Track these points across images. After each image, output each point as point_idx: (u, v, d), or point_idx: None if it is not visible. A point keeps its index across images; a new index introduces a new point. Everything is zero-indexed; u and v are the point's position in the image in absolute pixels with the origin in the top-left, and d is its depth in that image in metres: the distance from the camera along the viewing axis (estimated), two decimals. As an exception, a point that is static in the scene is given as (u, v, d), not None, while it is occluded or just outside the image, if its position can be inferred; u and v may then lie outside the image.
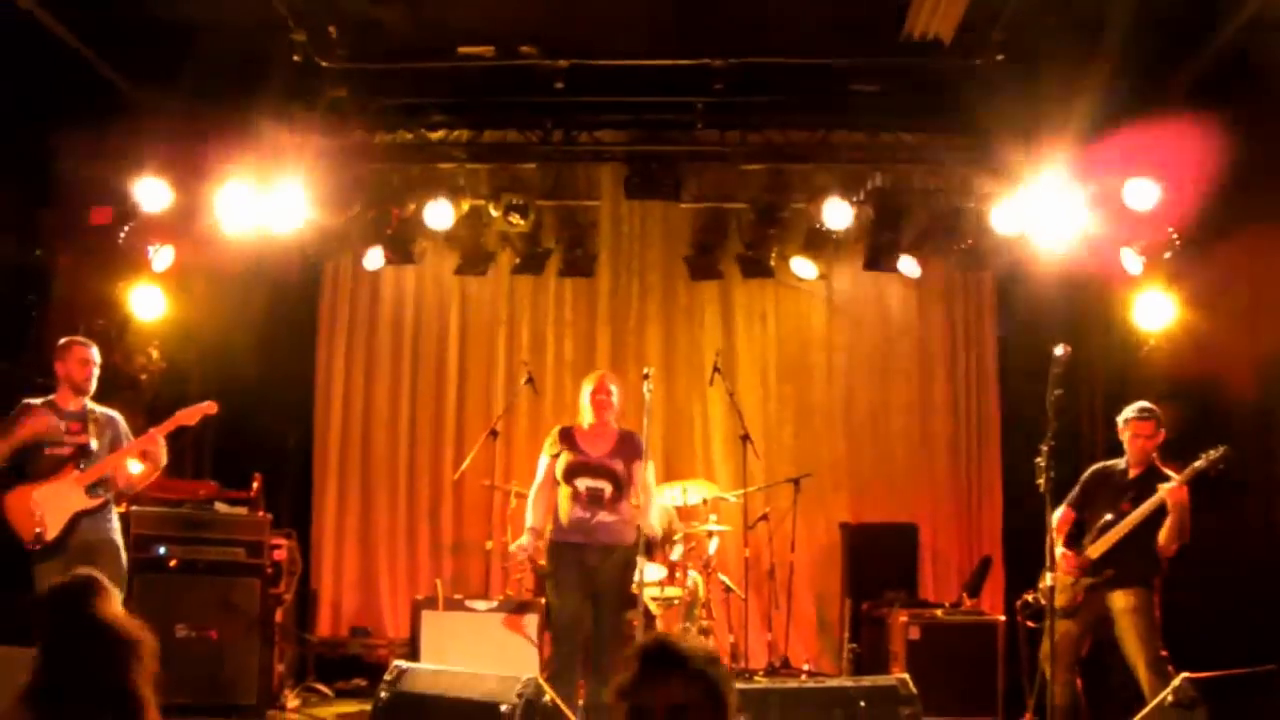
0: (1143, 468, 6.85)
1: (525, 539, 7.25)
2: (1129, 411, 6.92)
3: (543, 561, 7.46)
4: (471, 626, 7.94)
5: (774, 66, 8.97)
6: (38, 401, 6.85)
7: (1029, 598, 7.07)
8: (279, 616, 8.30)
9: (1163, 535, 6.56)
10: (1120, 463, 6.98)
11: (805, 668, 9.58)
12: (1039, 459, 6.24)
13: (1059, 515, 6.92)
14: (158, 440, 6.90)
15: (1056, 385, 6.26)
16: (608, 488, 7.10)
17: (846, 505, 10.49)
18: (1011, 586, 9.53)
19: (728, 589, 9.26)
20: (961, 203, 9.47)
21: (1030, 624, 7.01)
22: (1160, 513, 6.60)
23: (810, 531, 10.21)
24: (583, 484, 7.11)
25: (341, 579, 10.51)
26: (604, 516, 7.06)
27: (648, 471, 7.30)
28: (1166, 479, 6.63)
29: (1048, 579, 6.38)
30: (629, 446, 7.26)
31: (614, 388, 7.30)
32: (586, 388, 7.31)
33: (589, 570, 7.03)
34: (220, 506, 8.25)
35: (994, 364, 10.65)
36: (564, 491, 7.19)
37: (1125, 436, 6.90)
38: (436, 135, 9.81)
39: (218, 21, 8.00)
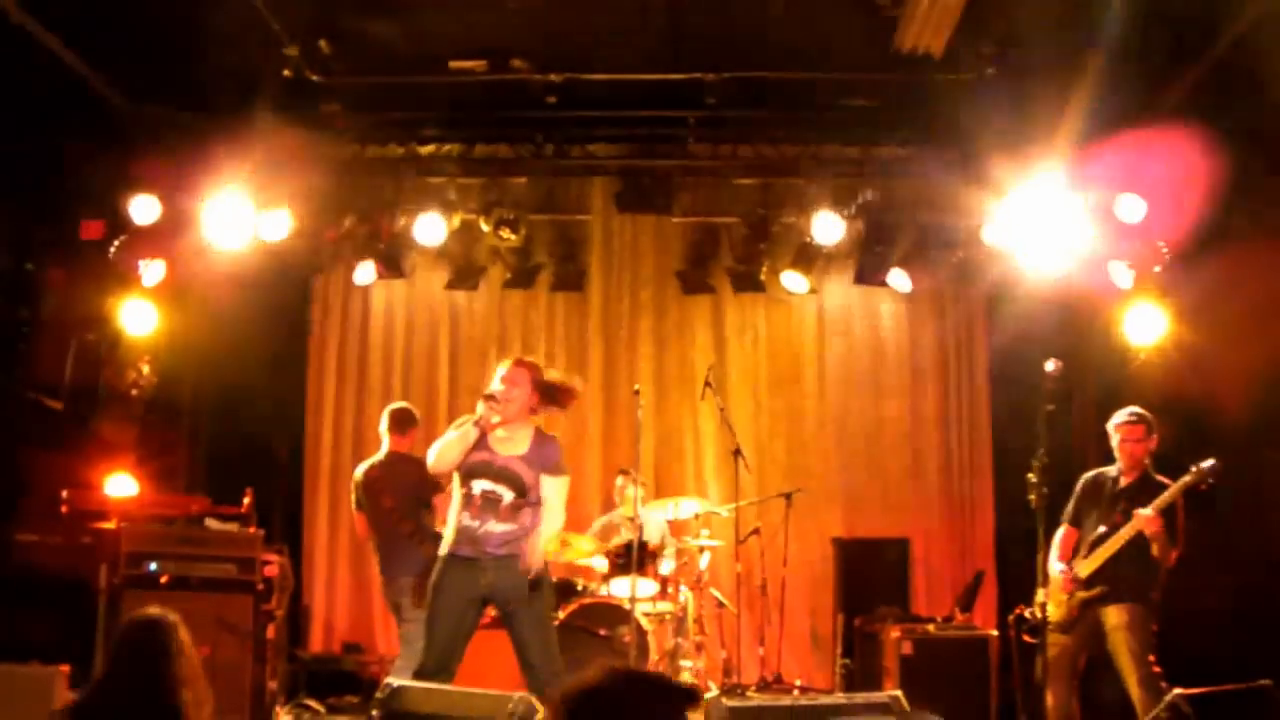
0: (1135, 474, 6.78)
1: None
2: (1118, 417, 6.86)
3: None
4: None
5: (766, 81, 9.00)
6: None
7: (1025, 614, 6.99)
8: (271, 633, 8.24)
9: (1154, 553, 6.53)
10: (1113, 470, 6.91)
11: (798, 684, 9.52)
12: (1031, 474, 6.22)
13: (1061, 534, 6.89)
14: None
15: (1048, 400, 6.25)
16: (508, 494, 6.13)
17: (838, 520, 10.47)
18: (1004, 601, 9.51)
19: (720, 604, 9.24)
20: (952, 217, 9.48)
21: (1027, 638, 6.97)
22: None
23: (802, 546, 10.17)
24: (479, 486, 6.14)
25: (334, 595, 10.48)
26: (494, 526, 6.08)
27: (554, 487, 6.24)
28: (1160, 486, 6.58)
29: (1040, 595, 6.36)
30: (542, 453, 6.23)
31: (524, 373, 6.19)
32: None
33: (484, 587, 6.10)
34: (212, 522, 8.20)
35: (985, 378, 10.66)
36: (456, 495, 6.26)
37: (1115, 442, 6.85)
38: (428, 149, 9.81)
39: (210, 36, 8.00)
